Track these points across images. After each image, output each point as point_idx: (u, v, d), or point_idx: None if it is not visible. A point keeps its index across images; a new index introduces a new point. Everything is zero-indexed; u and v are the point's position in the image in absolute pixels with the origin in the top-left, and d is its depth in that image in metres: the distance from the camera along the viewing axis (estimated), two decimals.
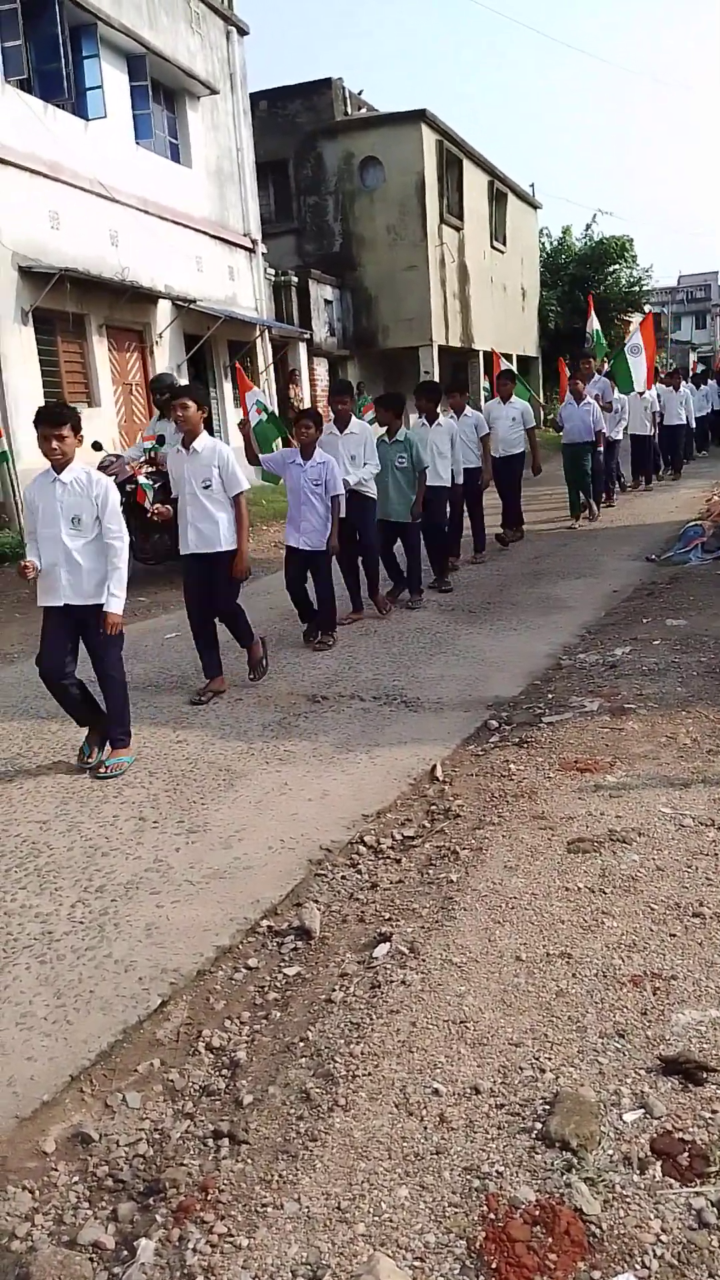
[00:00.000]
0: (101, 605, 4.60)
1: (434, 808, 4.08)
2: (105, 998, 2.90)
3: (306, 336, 20.61)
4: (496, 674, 5.93)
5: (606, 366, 13.89)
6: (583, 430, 11.47)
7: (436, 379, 16.96)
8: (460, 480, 8.75)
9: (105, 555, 4.62)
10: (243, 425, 8.20)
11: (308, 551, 6.76)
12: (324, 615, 6.94)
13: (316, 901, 3.38)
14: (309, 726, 5.21)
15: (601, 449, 12.07)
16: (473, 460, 9.44)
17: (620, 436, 13.84)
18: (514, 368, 20.58)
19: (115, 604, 4.61)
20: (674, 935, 2.87)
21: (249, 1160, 2.21)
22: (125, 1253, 2.03)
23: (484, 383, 21.18)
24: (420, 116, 22.22)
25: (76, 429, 4.60)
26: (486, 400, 14.28)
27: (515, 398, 10.87)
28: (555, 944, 2.89)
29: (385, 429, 7.98)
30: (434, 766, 4.49)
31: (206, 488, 5.59)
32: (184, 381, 13.59)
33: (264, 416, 9.94)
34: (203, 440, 5.62)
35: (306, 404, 20.46)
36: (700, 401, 18.48)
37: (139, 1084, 2.55)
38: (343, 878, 3.56)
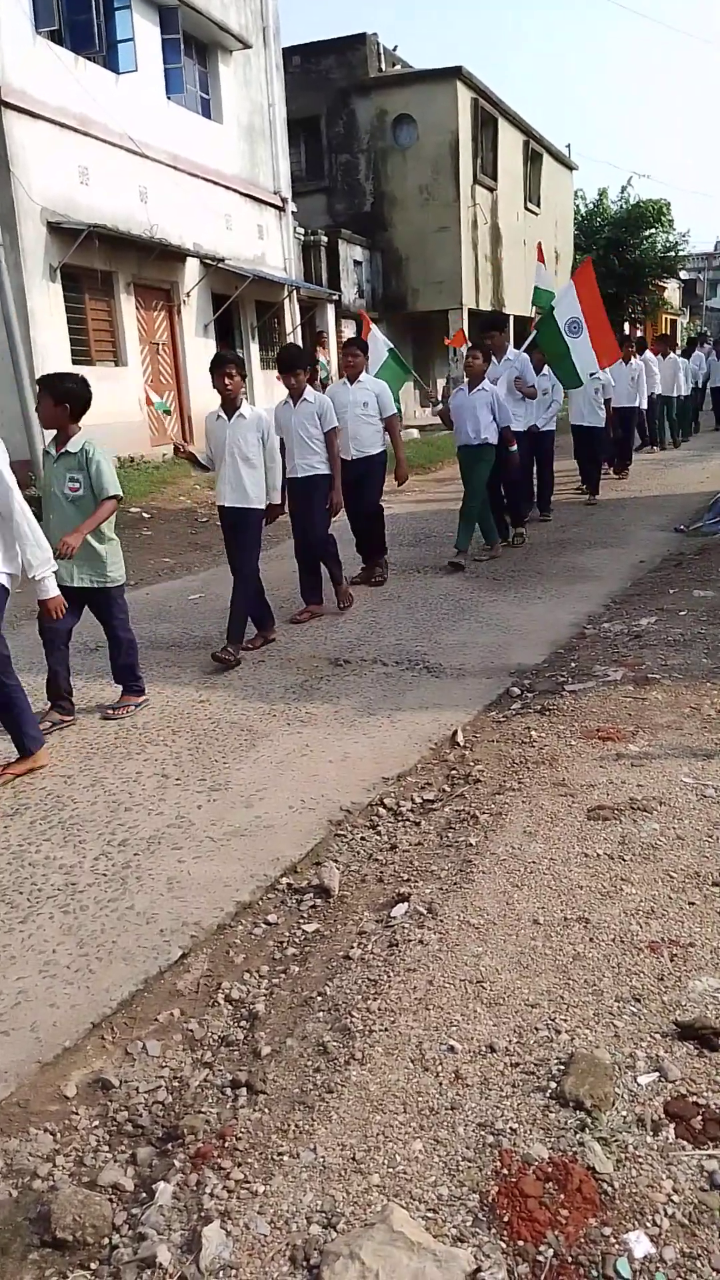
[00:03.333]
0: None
1: (454, 772, 4.08)
2: (127, 948, 2.94)
3: (335, 298, 20.42)
4: (520, 642, 5.91)
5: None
6: (473, 428, 7.99)
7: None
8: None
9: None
10: None
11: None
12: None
13: (336, 861, 3.41)
14: (330, 689, 5.22)
15: (514, 448, 8.42)
16: (316, 465, 6.55)
17: (553, 427, 10.20)
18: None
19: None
20: (693, 904, 2.87)
21: (266, 1109, 2.25)
22: (144, 1195, 2.07)
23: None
24: (456, 74, 21.82)
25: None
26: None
27: (368, 376, 7.56)
28: (573, 909, 2.90)
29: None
30: (455, 732, 4.49)
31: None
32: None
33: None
34: None
35: (334, 367, 20.34)
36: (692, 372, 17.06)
37: (159, 1033, 2.59)
38: (362, 838, 3.59)
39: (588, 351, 9.01)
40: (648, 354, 14.83)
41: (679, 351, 17.95)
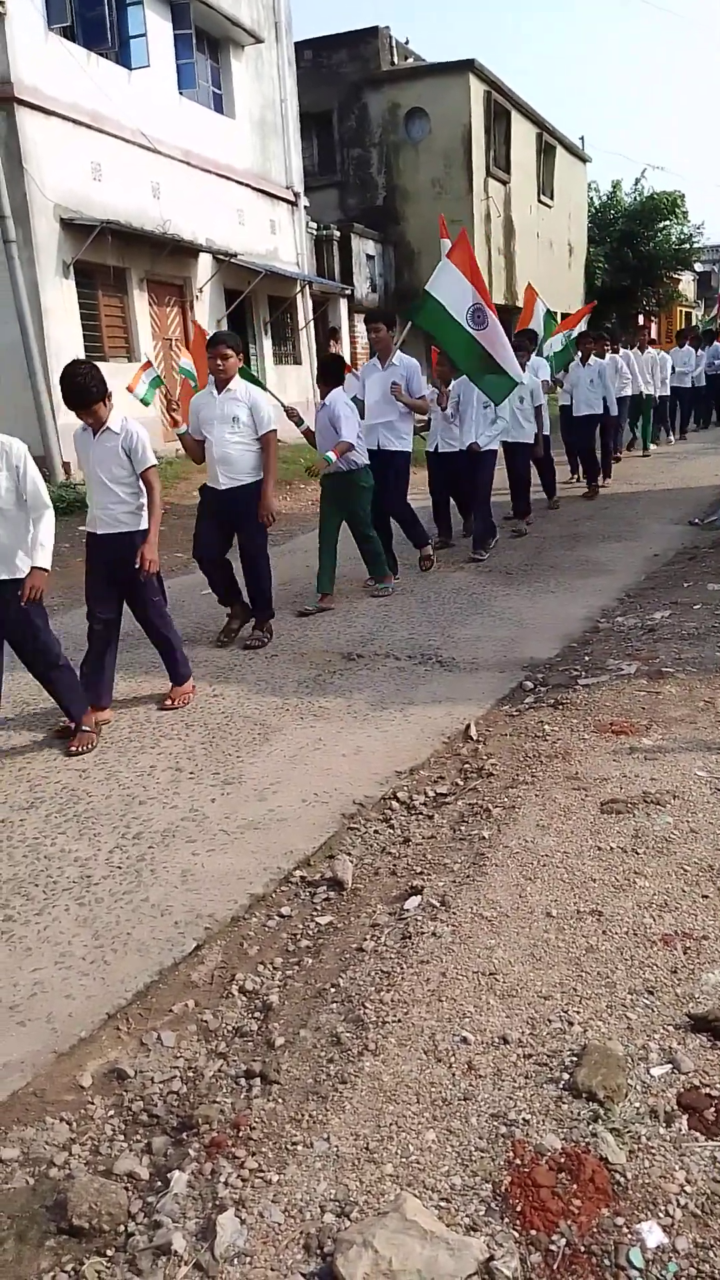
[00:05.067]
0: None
1: (467, 766, 4.09)
2: (142, 940, 2.96)
3: (347, 292, 20.39)
4: (533, 636, 5.90)
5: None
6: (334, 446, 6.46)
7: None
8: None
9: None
10: None
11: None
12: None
13: (349, 854, 3.42)
14: (343, 684, 5.23)
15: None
16: (121, 517, 4.76)
17: (496, 447, 8.30)
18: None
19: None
20: (706, 897, 2.87)
21: (280, 1100, 2.26)
22: (159, 1183, 2.09)
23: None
24: (468, 67, 21.74)
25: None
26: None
27: (241, 383, 5.80)
28: (586, 901, 2.90)
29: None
30: (468, 725, 4.49)
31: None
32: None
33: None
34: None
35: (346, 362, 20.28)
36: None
37: (174, 1024, 2.61)
38: (375, 832, 3.59)
39: (505, 348, 7.11)
40: (624, 351, 13.47)
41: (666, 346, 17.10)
